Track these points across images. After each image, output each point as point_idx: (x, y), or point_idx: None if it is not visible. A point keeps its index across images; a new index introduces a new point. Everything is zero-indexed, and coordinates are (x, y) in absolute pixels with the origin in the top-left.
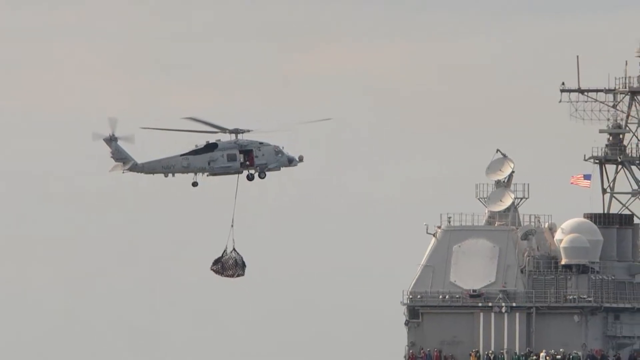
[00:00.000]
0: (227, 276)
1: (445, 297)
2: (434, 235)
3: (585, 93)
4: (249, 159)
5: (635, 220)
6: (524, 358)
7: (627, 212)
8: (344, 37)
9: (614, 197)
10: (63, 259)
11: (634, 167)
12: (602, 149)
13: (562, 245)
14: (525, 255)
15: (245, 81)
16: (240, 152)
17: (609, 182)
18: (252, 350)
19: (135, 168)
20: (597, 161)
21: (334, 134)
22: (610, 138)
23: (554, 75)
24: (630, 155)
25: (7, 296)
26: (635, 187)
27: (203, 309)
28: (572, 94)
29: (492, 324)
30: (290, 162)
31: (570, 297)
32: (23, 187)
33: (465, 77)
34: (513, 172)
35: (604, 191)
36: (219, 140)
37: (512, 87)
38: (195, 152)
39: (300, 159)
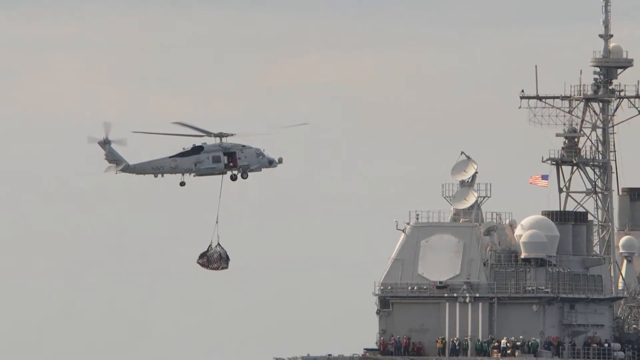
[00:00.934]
0: (212, 269)
1: (413, 288)
2: (403, 231)
3: (543, 100)
4: (232, 160)
5: (589, 217)
6: (486, 344)
7: (581, 209)
8: (319, 49)
9: (570, 195)
10: (61, 251)
11: (588, 168)
12: (558, 152)
13: (522, 240)
14: (488, 249)
15: (229, 89)
16: (225, 154)
17: (564, 182)
18: (235, 336)
19: (128, 169)
20: (554, 163)
21: (310, 138)
22: (566, 141)
23: (515, 83)
24: (584, 157)
25: (9, 285)
26: (589, 186)
27: (190, 298)
28: (531, 100)
29: (457, 313)
30: (271, 163)
31: (529, 288)
32: (24, 187)
33: (432, 85)
34: (476, 172)
35: (560, 190)
36: (205, 143)
37: (476, 95)
38: (183, 154)
39: (280, 161)
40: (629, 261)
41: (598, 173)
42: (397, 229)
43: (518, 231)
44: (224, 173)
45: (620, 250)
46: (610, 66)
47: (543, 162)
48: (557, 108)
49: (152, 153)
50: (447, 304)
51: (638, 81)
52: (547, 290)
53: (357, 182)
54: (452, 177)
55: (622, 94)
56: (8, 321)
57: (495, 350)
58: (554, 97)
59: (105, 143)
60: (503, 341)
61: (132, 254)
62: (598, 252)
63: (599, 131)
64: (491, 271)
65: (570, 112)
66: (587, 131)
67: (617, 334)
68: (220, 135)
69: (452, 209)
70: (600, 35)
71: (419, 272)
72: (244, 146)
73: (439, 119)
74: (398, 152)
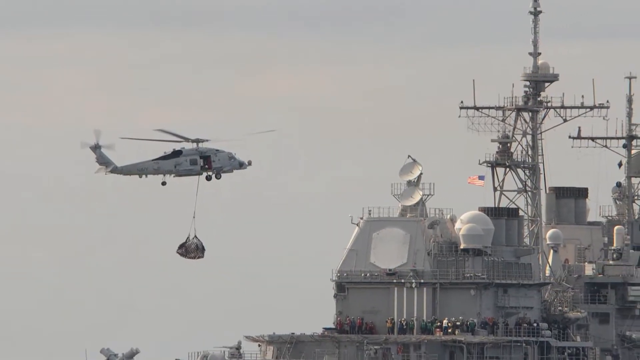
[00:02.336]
0: (190, 258)
1: (366, 275)
2: (357, 225)
3: (480, 110)
4: (207, 163)
5: (520, 213)
6: (430, 324)
7: (513, 206)
8: (284, 65)
9: (503, 194)
10: (57, 242)
11: (519, 170)
12: (493, 155)
13: (461, 233)
14: (431, 241)
15: (205, 100)
16: (201, 157)
17: (498, 182)
18: (210, 317)
19: (116, 170)
20: (489, 165)
21: (276, 143)
22: (500, 146)
23: (455, 95)
24: (516, 160)
25: (12, 272)
26: (520, 186)
27: (170, 283)
28: (469, 110)
29: (405, 297)
30: (241, 165)
31: (468, 275)
32: (24, 186)
33: (382, 96)
34: (421, 173)
35: (494, 189)
36: (183, 148)
37: (421, 105)
38: (164, 157)
39: (249, 163)
40: (555, 251)
41: (528, 174)
42: (351, 223)
43: (458, 225)
44: (200, 174)
45: (547, 242)
46: (538, 80)
47: (480, 164)
48: (492, 117)
49: (137, 156)
50: (396, 288)
51: (563, 93)
52: (483, 276)
53: (316, 182)
54: (400, 177)
55: (549, 104)
56: (10, 304)
57: (437, 329)
58: (489, 108)
59: (96, 148)
60: (445, 321)
61: (120, 245)
62: (528, 243)
63: (529, 137)
64: (434, 260)
65: (503, 120)
66: (518, 137)
67: (544, 315)
68: (197, 141)
69: (400, 206)
70: (530, 53)
71: (371, 260)
72: (217, 150)
73: (389, 127)
74: (352, 156)
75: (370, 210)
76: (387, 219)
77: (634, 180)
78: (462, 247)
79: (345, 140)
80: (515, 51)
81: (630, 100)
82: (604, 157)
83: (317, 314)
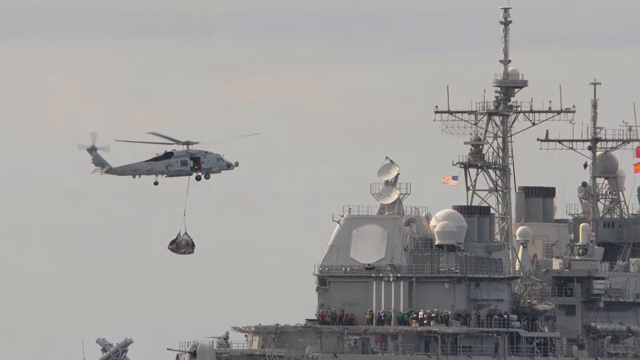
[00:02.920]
0: (181, 253)
1: (346, 269)
2: (338, 222)
3: (454, 114)
4: (197, 164)
5: (492, 211)
6: (406, 315)
7: (485, 204)
8: (270, 71)
9: (475, 193)
10: (54, 238)
11: (490, 170)
12: (466, 157)
13: (436, 230)
14: (408, 237)
15: (195, 105)
16: (191, 159)
17: (471, 182)
18: (199, 308)
19: (111, 171)
20: (462, 166)
21: (261, 145)
22: (472, 148)
23: (430, 100)
24: (487, 161)
25: (11, 266)
26: (491, 185)
27: (163, 277)
28: (443, 114)
29: (383, 290)
30: (229, 166)
31: (442, 269)
32: (25, 185)
33: (363, 101)
34: (398, 174)
35: (467, 189)
36: (174, 150)
37: (399, 110)
38: (156, 159)
39: (236, 164)
40: (524, 247)
41: (498, 174)
42: (333, 220)
43: (433, 222)
44: (190, 174)
45: (517, 238)
46: (508, 86)
47: (453, 165)
48: (465, 121)
49: (131, 158)
50: (374, 282)
51: (532, 99)
52: (456, 271)
53: (300, 182)
54: (378, 177)
55: (518, 109)
56: (11, 297)
57: (414, 321)
58: (462, 112)
59: (92, 149)
60: (420, 313)
61: (114, 241)
62: (499, 240)
63: (500, 140)
64: (410, 255)
65: (475, 124)
66: (490, 140)
67: (514, 307)
68: (187, 143)
69: (378, 204)
70: (501, 61)
71: (351, 256)
72: (206, 152)
73: (368, 130)
74: (333, 158)
75: (350, 209)
76: (366, 216)
77: (599, 180)
78: (436, 243)
79: (326, 142)
80: (487, 59)
81: (595, 105)
82: (570, 158)
83: (300, 306)
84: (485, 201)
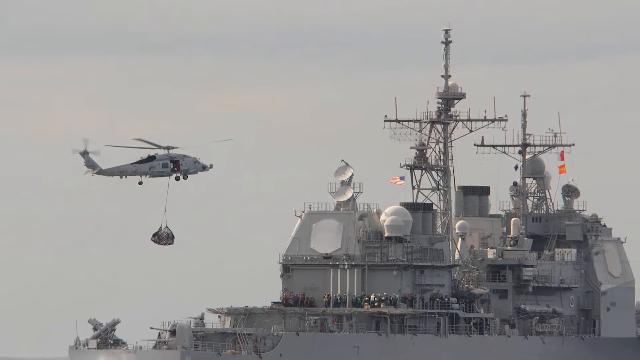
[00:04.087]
0: (162, 244)
1: (307, 258)
2: (299, 217)
3: (401, 122)
4: (176, 166)
5: (434, 207)
6: (359, 299)
7: (428, 202)
8: (242, 85)
9: (420, 191)
10: (52, 232)
11: (433, 172)
12: (411, 160)
13: (385, 223)
14: (361, 230)
15: (176, 114)
16: (171, 161)
17: (416, 181)
18: (178, 293)
19: (101, 172)
20: (409, 167)
21: (233, 150)
22: (417, 152)
23: (380, 110)
24: (430, 163)
25: (12, 257)
26: (434, 185)
27: (146, 266)
28: (392, 123)
29: (339, 276)
30: (204, 168)
31: (391, 258)
32: (25, 185)
33: (322, 112)
34: (352, 175)
35: (413, 188)
36: (157, 153)
37: (353, 119)
38: (141, 161)
39: (211, 166)
40: (462, 239)
41: (440, 175)
42: (295, 215)
43: (382, 217)
44: (170, 175)
45: (456, 231)
46: (449, 98)
47: (400, 167)
48: (411, 128)
49: (118, 161)
50: (332, 269)
51: (469, 109)
52: (403, 260)
53: (267, 183)
54: (335, 178)
55: (457, 118)
56: (14, 284)
57: (366, 303)
58: (408, 120)
59: (85, 153)
60: (372, 296)
61: (104, 234)
62: (440, 232)
63: (441, 145)
64: (363, 246)
65: (420, 131)
66: (433, 145)
67: (454, 291)
68: (168, 148)
69: (335, 201)
70: (442, 76)
71: (311, 246)
72: (185, 156)
73: (326, 137)
74: (296, 161)
75: (310, 205)
76: (324, 212)
77: (528, 181)
78: (386, 235)
79: (289, 148)
80: (430, 74)
81: (524, 115)
82: (503, 161)
83: (266, 290)
84: (428, 199)
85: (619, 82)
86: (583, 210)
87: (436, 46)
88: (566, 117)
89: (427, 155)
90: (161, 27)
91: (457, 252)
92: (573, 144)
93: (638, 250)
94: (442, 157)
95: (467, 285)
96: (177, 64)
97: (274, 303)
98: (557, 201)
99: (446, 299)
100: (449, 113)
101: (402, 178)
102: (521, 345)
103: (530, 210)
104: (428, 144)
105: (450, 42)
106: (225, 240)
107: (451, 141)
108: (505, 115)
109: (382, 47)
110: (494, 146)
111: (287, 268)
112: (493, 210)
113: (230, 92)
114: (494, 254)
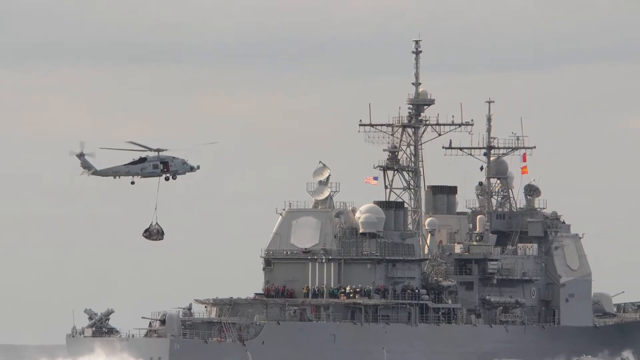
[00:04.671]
0: (153, 240)
1: (288, 253)
2: (280, 215)
3: (375, 126)
4: (166, 167)
5: (405, 205)
6: (336, 290)
7: (400, 200)
8: (227, 92)
9: (392, 191)
10: (50, 228)
11: (404, 172)
12: (384, 161)
13: (360, 220)
14: (337, 227)
15: (166, 118)
16: (161, 162)
17: (389, 181)
18: (168, 285)
19: (96, 173)
20: (382, 168)
21: (219, 152)
22: (390, 154)
23: (355, 115)
24: (402, 165)
25: (13, 252)
26: (405, 184)
27: (139, 259)
28: (366, 127)
29: (317, 270)
30: (192, 169)
31: (365, 253)
32: (26, 185)
33: (303, 116)
34: (330, 175)
35: (385, 187)
36: (148, 155)
37: (331, 123)
38: (133, 163)
39: (198, 167)
40: (431, 235)
41: (411, 175)
42: (276, 213)
43: (357, 214)
44: (160, 175)
45: (426, 227)
46: (419, 104)
47: (374, 168)
48: (384, 132)
49: (112, 162)
50: (310, 263)
51: (438, 114)
52: (377, 254)
53: (250, 182)
54: (313, 178)
55: (427, 122)
56: (14, 277)
57: (342, 294)
58: (381, 125)
59: (81, 155)
60: (347, 288)
61: (99, 230)
62: (411, 229)
63: (412, 147)
64: (339, 241)
65: (392, 134)
66: (404, 147)
67: (424, 284)
68: (158, 150)
69: (313, 200)
70: (413, 83)
71: (292, 242)
72: (174, 157)
73: (306, 140)
74: (278, 162)
75: (290, 203)
76: (304, 210)
77: (492, 181)
78: (360, 231)
79: (270, 150)
80: (402, 82)
81: (489, 119)
82: (469, 162)
83: (250, 282)
84: (400, 197)
85: (576, 88)
86: (543, 208)
87: (407, 56)
88: (528, 121)
89: (399, 157)
90: (150, 37)
91: (426, 247)
92: (534, 147)
93: (595, 245)
94: (412, 159)
95: (436, 278)
96: (168, 71)
97: (257, 294)
98: (519, 200)
99: (416, 291)
100: (419, 118)
101: (375, 178)
102: (486, 334)
103: (494, 208)
104: (400, 146)
105: (421, 52)
106: (211, 236)
107: (421, 144)
108: (472, 120)
109: (358, 56)
110: (461, 149)
111: (269, 262)
112: (460, 208)
113: (216, 98)
114: (461, 248)
